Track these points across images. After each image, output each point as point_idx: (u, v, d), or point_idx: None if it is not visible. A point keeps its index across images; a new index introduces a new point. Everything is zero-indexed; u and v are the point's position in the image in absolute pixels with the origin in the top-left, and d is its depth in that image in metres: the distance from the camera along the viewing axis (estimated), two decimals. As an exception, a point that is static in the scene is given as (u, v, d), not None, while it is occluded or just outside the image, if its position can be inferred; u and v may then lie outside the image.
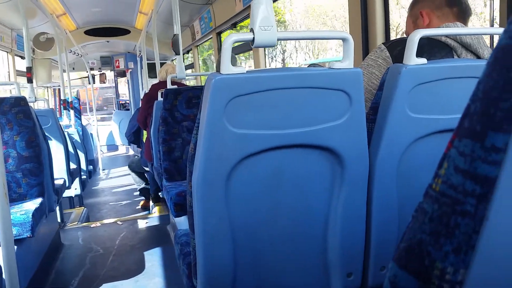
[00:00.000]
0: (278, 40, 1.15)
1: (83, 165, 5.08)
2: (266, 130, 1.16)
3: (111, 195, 6.07)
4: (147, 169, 4.38)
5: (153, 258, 2.95)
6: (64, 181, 3.52)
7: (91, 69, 9.64)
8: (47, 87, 9.05)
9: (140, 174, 4.81)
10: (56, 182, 3.07)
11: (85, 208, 4.70)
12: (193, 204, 1.19)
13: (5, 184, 1.53)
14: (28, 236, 2.12)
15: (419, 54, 1.25)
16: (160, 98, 3.45)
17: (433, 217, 0.39)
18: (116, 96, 11.67)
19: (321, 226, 1.31)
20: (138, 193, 5.32)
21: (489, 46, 1.56)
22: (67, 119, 5.68)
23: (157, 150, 3.15)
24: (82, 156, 5.07)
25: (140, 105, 4.61)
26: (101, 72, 10.78)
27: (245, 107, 1.13)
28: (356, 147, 1.25)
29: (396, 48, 1.52)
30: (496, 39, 1.94)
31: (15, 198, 2.47)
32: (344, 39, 1.22)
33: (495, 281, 0.33)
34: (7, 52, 5.95)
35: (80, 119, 6.23)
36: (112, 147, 10.55)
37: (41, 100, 4.19)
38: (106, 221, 4.01)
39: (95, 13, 6.72)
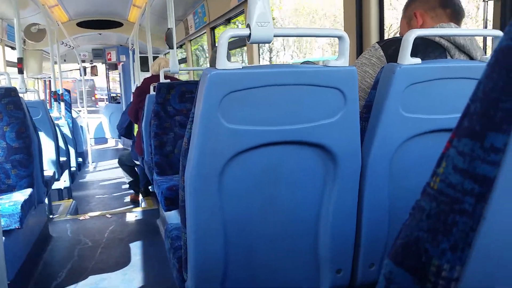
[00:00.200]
0: (274, 36, 1.15)
1: (73, 158, 5.04)
2: (260, 126, 1.16)
3: (100, 188, 6.04)
4: (137, 162, 4.37)
5: (141, 251, 2.95)
6: (54, 173, 3.50)
7: (83, 61, 9.56)
8: (37, 78, 8.96)
9: (130, 167, 4.79)
10: (45, 173, 3.05)
11: (73, 201, 4.67)
12: (186, 198, 1.19)
13: None
14: (17, 227, 2.10)
15: (413, 53, 1.26)
16: (152, 92, 3.43)
17: (431, 214, 0.39)
18: (108, 89, 11.59)
19: (313, 223, 1.31)
20: (127, 186, 5.30)
21: (481, 47, 1.58)
22: (57, 111, 5.63)
23: (148, 144, 3.14)
24: (72, 148, 5.04)
25: (132, 99, 4.59)
26: (92, 65, 10.70)
27: (240, 103, 1.13)
28: (349, 145, 1.25)
29: (391, 47, 1.52)
30: (489, 40, 1.96)
31: (4, 189, 2.44)
32: (340, 37, 1.22)
33: (491, 278, 0.33)
34: None
35: (70, 111, 6.18)
36: (101, 140, 10.47)
37: (31, 91, 4.15)
38: (95, 213, 3.99)
39: (88, 4, 6.66)
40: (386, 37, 2.50)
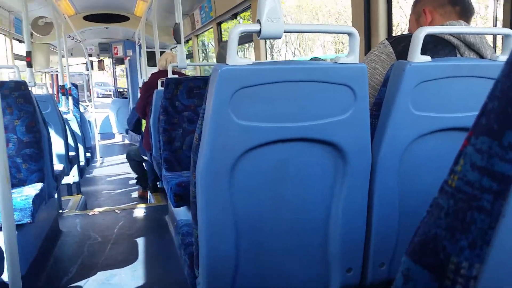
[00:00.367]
0: (285, 32, 1.16)
1: (81, 153, 5.06)
2: (271, 122, 1.17)
3: (108, 183, 6.06)
4: (145, 158, 4.38)
5: (151, 247, 2.96)
6: (64, 167, 3.52)
7: (89, 55, 9.58)
8: (44, 72, 8.99)
9: (138, 163, 4.81)
10: (55, 168, 3.07)
11: (82, 196, 4.70)
12: (197, 194, 1.19)
13: (7, 169, 1.53)
14: (28, 222, 2.12)
15: (423, 51, 1.26)
16: (160, 87, 3.44)
17: (449, 212, 0.40)
18: (114, 83, 11.60)
19: (323, 220, 1.32)
20: (134, 182, 5.32)
21: (491, 46, 1.58)
22: (65, 106, 5.65)
23: (157, 140, 3.15)
24: (80, 143, 5.06)
25: (139, 94, 4.60)
26: (99, 59, 10.72)
27: (250, 99, 1.13)
28: (359, 143, 1.26)
29: (400, 44, 1.52)
30: (499, 39, 1.95)
31: (15, 183, 2.46)
32: (350, 34, 1.22)
33: (509, 276, 0.34)
34: (4, 35, 5.90)
35: (78, 106, 6.20)
36: (108, 135, 10.50)
37: (39, 85, 4.16)
38: (104, 209, 4.01)
39: None
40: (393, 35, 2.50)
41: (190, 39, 6.99)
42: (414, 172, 1.33)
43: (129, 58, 9.46)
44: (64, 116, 4.38)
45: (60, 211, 3.87)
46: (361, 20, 2.42)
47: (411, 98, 1.25)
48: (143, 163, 4.80)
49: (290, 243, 1.31)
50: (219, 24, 5.45)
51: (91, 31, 8.31)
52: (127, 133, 9.88)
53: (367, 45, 2.43)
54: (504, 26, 1.73)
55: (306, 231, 1.31)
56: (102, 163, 7.55)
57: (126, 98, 10.29)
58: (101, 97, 19.65)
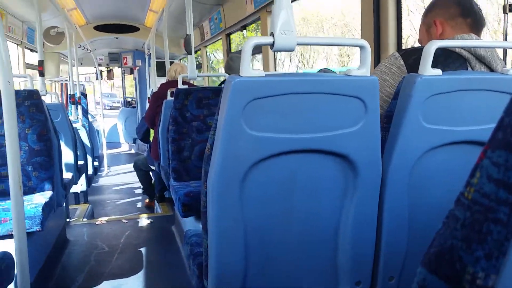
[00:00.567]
0: (297, 44, 1.17)
1: (89, 162, 5.09)
2: (282, 133, 1.18)
3: (115, 192, 6.08)
4: (153, 168, 4.39)
5: (157, 257, 2.96)
6: (72, 176, 3.54)
7: (99, 65, 9.67)
8: (54, 81, 9.08)
9: (145, 172, 4.82)
10: (64, 176, 3.09)
11: (89, 205, 4.71)
12: (208, 204, 1.20)
13: (20, 177, 1.55)
14: (38, 229, 2.13)
15: (434, 64, 1.26)
16: (169, 98, 3.47)
17: (465, 223, 0.40)
18: (123, 92, 11.68)
19: (332, 232, 1.32)
20: (141, 191, 5.32)
21: (502, 59, 1.58)
22: (74, 115, 5.69)
23: (165, 149, 3.16)
24: (89, 152, 5.09)
25: (148, 104, 4.63)
26: (108, 69, 10.81)
27: (262, 110, 1.14)
28: (369, 155, 1.26)
29: (411, 57, 1.53)
30: (509, 52, 1.96)
31: (25, 191, 2.47)
32: (361, 47, 1.23)
33: None
34: (17, 44, 5.98)
35: (86, 115, 6.25)
36: (114, 144, 10.54)
37: (50, 94, 4.20)
38: (111, 218, 4.02)
39: (105, 8, 6.75)
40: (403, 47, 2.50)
41: (199, 49, 7.05)
42: (424, 185, 1.33)
43: (138, 68, 9.54)
44: (74, 125, 4.42)
45: (68, 219, 3.88)
46: (371, 33, 2.43)
47: (422, 111, 1.26)
48: (150, 173, 4.81)
49: (299, 255, 1.31)
50: (228, 35, 5.49)
51: (101, 41, 8.40)
52: (134, 142, 9.93)
53: (377, 57, 2.44)
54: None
55: (315, 243, 1.31)
56: (109, 172, 7.57)
57: (134, 107, 10.35)
58: (109, 109, 19.62)
